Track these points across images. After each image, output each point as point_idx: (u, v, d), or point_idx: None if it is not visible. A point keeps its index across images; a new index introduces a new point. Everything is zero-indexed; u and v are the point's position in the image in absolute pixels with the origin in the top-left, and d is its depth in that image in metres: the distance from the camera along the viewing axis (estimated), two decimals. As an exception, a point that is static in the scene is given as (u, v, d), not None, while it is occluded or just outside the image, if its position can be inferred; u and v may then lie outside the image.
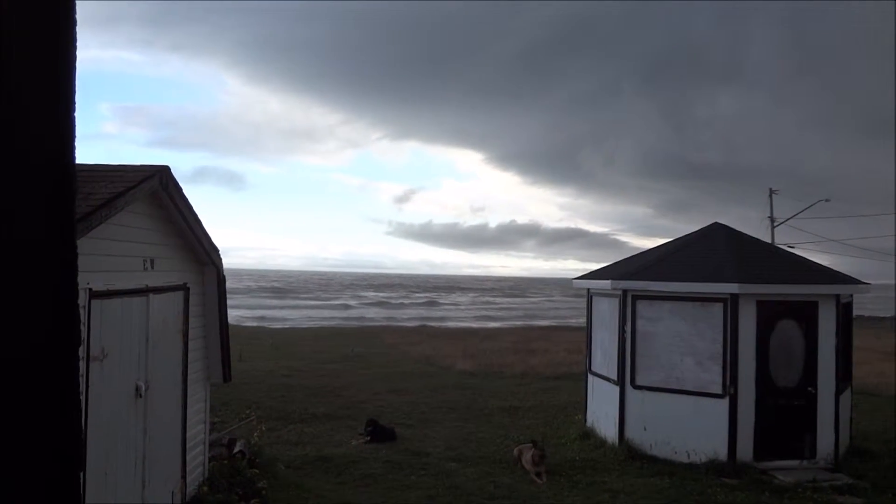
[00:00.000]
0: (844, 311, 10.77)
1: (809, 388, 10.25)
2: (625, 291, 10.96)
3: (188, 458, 7.57)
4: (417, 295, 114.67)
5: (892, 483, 9.47)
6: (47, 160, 0.95)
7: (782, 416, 10.21)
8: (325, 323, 51.45)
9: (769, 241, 33.74)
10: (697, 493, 9.04)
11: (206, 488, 7.84)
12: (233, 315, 27.73)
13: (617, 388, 11.07)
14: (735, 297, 10.13)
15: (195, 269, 7.84)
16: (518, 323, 56.24)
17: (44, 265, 0.96)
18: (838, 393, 10.34)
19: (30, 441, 1.02)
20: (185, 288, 7.42)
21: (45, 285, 0.98)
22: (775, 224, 38.78)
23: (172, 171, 6.49)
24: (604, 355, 11.90)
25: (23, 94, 0.92)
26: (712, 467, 9.94)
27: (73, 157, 1.00)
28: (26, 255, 0.96)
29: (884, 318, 52.77)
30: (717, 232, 12.26)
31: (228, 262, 8.28)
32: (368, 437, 11.63)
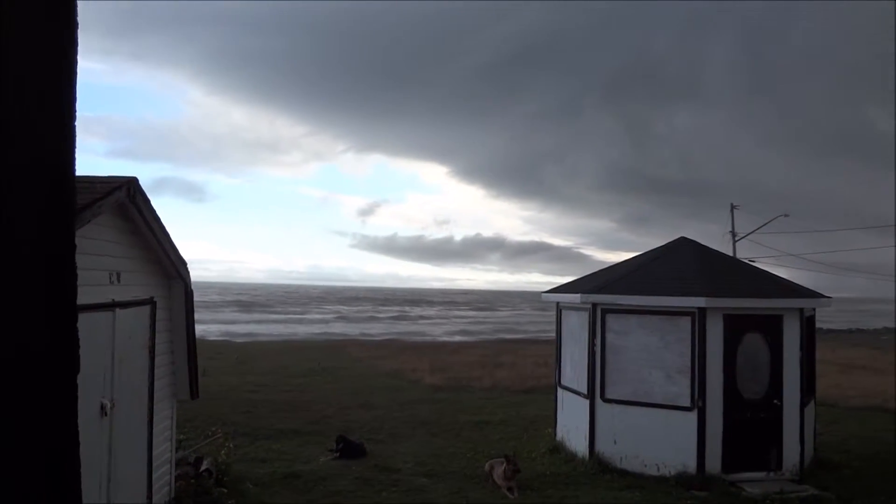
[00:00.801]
0: (808, 325, 10.96)
1: (775, 401, 10.38)
2: (594, 305, 11.00)
3: (154, 477, 7.33)
4: (384, 308, 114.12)
5: (855, 494, 9.61)
6: (48, 164, 0.87)
7: (749, 429, 10.31)
8: (290, 337, 50.79)
9: (731, 255, 34.37)
10: (668, 507, 9.06)
11: (171, 509, 7.59)
12: (197, 329, 27.07)
13: (587, 402, 11.08)
14: (703, 311, 10.24)
15: (162, 283, 7.63)
16: (485, 336, 56.26)
17: (43, 267, 0.89)
18: (803, 405, 10.50)
19: (29, 442, 0.95)
20: (151, 302, 7.22)
21: (44, 287, 0.91)
22: (737, 238, 39.57)
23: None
24: (573, 369, 11.91)
25: (24, 96, 0.85)
26: (682, 480, 9.98)
27: (73, 162, 0.93)
28: (26, 258, 0.89)
29: (839, 332, 54.11)
30: (683, 246, 12.40)
31: (191, 275, 8.08)
32: (338, 454, 11.44)
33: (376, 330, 64.19)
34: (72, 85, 0.92)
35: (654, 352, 10.55)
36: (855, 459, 11.50)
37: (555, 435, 12.65)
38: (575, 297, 11.50)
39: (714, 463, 10.14)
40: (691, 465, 10.13)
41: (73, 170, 1.01)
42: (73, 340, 1.02)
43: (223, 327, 59.12)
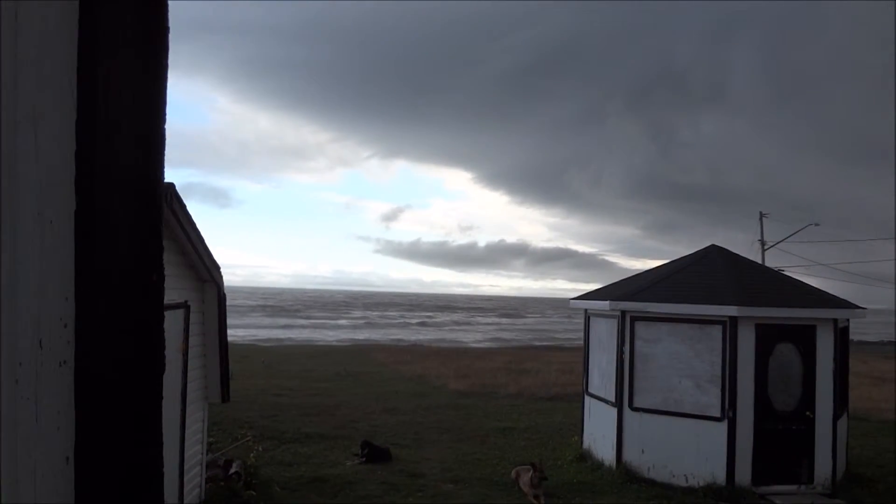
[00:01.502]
0: (842, 336, 10.76)
1: (808, 413, 10.19)
2: (623, 312, 10.90)
3: (185, 479, 7.41)
4: (409, 314, 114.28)
5: (889, 509, 9.40)
6: (137, 176, 0.89)
7: (780, 441, 10.13)
8: (316, 341, 51.10)
9: (761, 263, 33.86)
10: (696, 518, 8.93)
11: (202, 510, 7.66)
12: (225, 332, 27.44)
13: (614, 410, 10.98)
14: (734, 320, 10.10)
15: (196, 287, 7.72)
16: (510, 342, 56.08)
17: (133, 285, 0.91)
18: (836, 418, 10.29)
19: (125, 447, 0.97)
20: (185, 306, 7.31)
21: (134, 305, 0.93)
22: (766, 247, 38.99)
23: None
24: (601, 377, 11.82)
25: (111, 106, 0.87)
26: (710, 491, 9.84)
27: (162, 174, 0.95)
28: (117, 274, 0.91)
29: (872, 343, 53.00)
30: (713, 254, 12.26)
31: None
32: (364, 458, 11.46)
33: (401, 335, 64.32)
34: (163, 94, 0.94)
35: (683, 360, 10.43)
36: (889, 475, 11.24)
37: (581, 443, 12.55)
38: (604, 304, 11.42)
39: (744, 475, 9.98)
40: (720, 477, 9.98)
41: (161, 188, 1.03)
42: (158, 362, 1.04)
43: (249, 332, 59.68)
